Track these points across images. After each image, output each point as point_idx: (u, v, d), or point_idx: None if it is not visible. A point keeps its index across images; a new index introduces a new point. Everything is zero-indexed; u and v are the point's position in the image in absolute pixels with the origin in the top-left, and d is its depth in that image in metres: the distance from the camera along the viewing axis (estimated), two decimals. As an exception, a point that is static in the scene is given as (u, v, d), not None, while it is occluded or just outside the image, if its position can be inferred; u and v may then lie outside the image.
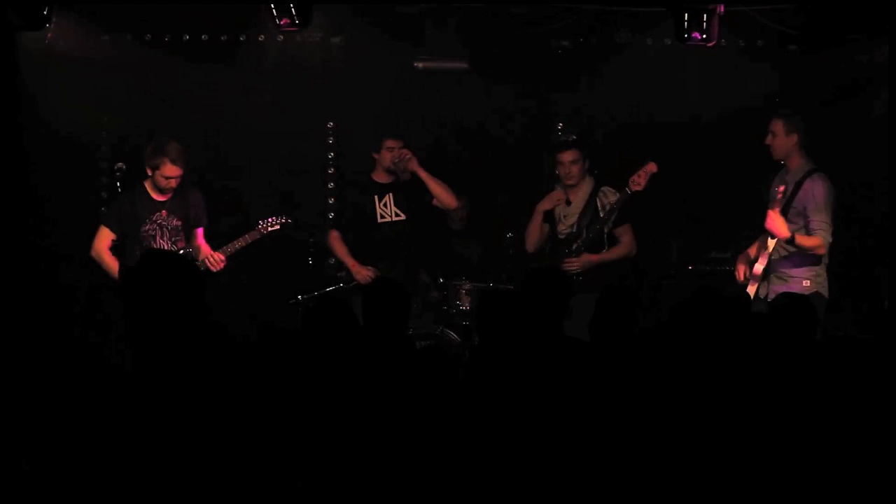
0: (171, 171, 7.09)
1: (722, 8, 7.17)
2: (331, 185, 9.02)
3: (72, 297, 8.03)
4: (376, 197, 7.64)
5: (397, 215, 7.64)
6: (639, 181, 7.14)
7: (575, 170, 7.39)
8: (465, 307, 7.96)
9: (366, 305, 4.95)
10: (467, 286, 8.04)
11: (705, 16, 7.10)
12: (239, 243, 7.27)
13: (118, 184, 7.06)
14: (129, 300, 3.57)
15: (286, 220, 7.37)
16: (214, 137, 8.46)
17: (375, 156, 7.67)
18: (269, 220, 7.33)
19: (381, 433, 4.05)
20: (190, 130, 7.86)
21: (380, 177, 7.70)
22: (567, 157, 7.40)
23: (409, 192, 7.62)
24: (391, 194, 7.63)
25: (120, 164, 7.10)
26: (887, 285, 7.34)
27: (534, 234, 7.60)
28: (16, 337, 7.04)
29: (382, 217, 7.64)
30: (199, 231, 7.40)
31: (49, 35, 7.57)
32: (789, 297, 5.08)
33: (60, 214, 8.14)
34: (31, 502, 3.41)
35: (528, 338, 4.66)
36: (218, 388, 3.42)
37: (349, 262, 7.59)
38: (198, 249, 7.31)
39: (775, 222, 6.54)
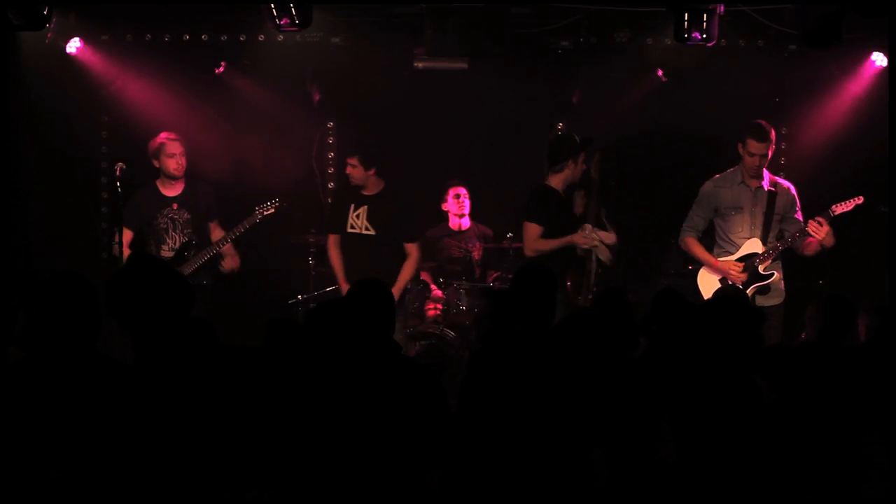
0: (172, 147, 7.36)
1: (722, 8, 7.18)
2: (330, 185, 9.02)
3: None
4: (353, 205, 7.51)
5: (367, 229, 7.47)
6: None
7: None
8: (465, 307, 7.95)
9: (348, 307, 4.87)
10: (467, 286, 8.03)
11: (705, 16, 7.10)
12: (238, 229, 7.41)
13: (118, 184, 7.10)
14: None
15: (280, 203, 7.46)
16: (214, 137, 8.46)
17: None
18: (265, 204, 7.45)
19: (363, 435, 4.05)
20: (190, 130, 7.85)
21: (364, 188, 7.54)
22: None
23: (384, 209, 7.43)
24: (366, 207, 7.44)
25: (120, 164, 7.14)
26: (888, 285, 7.34)
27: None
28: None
29: (352, 227, 7.49)
30: (213, 225, 7.54)
31: (49, 35, 7.58)
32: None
33: (60, 214, 8.14)
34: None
35: (529, 337, 4.66)
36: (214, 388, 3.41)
37: (339, 276, 7.51)
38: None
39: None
